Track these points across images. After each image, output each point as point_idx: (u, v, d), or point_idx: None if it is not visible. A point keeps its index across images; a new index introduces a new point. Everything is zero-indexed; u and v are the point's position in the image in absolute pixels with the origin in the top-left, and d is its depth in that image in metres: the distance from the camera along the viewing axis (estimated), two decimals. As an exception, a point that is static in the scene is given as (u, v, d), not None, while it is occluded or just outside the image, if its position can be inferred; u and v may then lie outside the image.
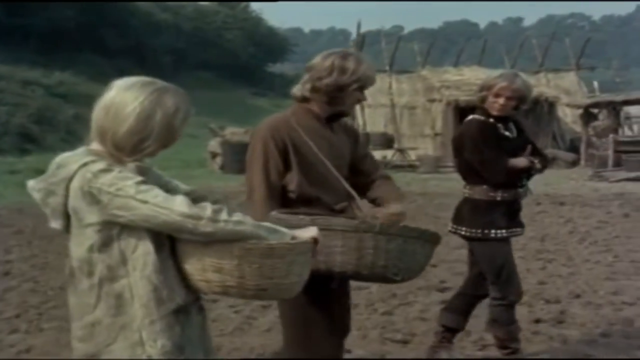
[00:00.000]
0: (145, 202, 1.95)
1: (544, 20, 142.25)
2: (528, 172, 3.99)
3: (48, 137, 23.86)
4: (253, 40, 49.06)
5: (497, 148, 3.91)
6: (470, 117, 4.06)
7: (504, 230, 3.95)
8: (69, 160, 2.04)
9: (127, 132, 2.04)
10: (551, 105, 22.09)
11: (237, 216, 2.01)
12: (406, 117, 23.23)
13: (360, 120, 22.43)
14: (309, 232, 2.19)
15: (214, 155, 20.02)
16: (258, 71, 51.71)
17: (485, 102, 3.95)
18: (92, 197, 1.99)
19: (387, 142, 21.18)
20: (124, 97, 2.05)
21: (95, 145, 2.09)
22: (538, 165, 3.98)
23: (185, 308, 2.10)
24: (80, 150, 2.09)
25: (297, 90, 2.92)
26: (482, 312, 4.33)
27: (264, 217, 2.52)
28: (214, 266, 2.02)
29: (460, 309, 4.19)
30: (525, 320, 4.88)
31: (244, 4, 53.35)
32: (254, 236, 2.01)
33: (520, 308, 5.37)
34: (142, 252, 2.03)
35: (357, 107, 24.34)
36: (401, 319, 5.21)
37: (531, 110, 20.49)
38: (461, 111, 22.77)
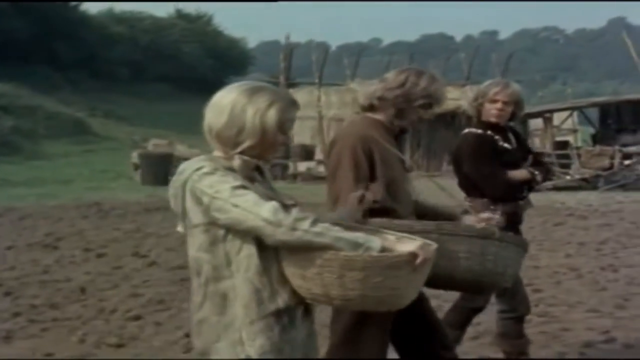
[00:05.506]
0: (236, 205, 2.04)
1: (519, 33, 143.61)
2: (529, 184, 3.97)
3: (-19, 149, 23.94)
4: (212, 53, 49.28)
5: (494, 162, 3.88)
6: (467, 130, 4.01)
7: None
8: (188, 166, 2.17)
9: (224, 125, 2.16)
10: (469, 118, 22.38)
11: (321, 227, 2.04)
12: (334, 129, 23.49)
13: (287, 133, 22.70)
14: (408, 246, 2.15)
15: (136, 166, 20.23)
16: (218, 83, 51.55)
17: (482, 111, 3.90)
18: (197, 199, 2.10)
19: (307, 153, 21.54)
20: (223, 94, 2.20)
21: (216, 153, 2.22)
22: (538, 177, 3.96)
23: (289, 311, 2.15)
24: (202, 156, 2.20)
25: (364, 98, 2.99)
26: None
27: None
28: (299, 273, 2.09)
29: (457, 322, 4.09)
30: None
31: (205, 18, 53.66)
32: (333, 248, 2.03)
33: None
34: (246, 254, 2.10)
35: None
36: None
37: (450, 124, 20.96)
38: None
